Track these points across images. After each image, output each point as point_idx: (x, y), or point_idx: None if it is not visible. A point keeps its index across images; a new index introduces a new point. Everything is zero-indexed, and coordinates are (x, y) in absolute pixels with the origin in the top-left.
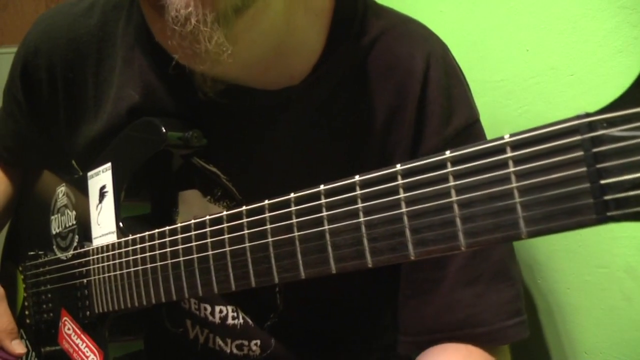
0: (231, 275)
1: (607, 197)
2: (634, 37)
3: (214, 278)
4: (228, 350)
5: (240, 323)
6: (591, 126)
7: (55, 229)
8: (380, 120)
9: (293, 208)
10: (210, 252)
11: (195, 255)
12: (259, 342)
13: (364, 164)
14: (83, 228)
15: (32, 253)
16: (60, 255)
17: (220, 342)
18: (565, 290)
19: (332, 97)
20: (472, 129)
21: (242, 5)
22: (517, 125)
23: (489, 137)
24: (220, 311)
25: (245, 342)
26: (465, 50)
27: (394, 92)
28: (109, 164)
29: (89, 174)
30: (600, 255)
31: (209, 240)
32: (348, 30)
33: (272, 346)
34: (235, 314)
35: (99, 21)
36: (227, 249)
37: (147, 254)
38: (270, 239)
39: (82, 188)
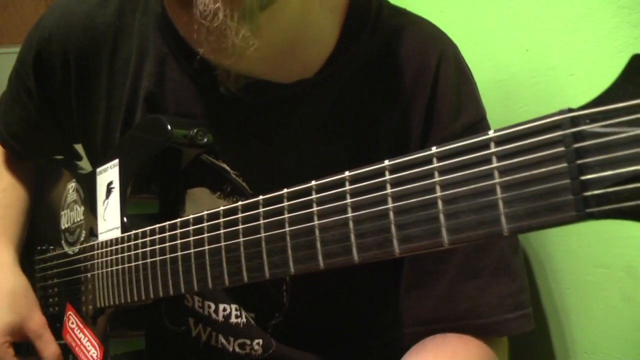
0: (225, 270)
1: (587, 194)
2: (634, 37)
3: (209, 274)
4: (230, 349)
5: (243, 322)
6: (573, 122)
7: (64, 224)
8: (392, 115)
9: (285, 203)
10: (206, 247)
11: (192, 250)
12: (261, 341)
13: (377, 158)
14: (90, 223)
15: (41, 247)
16: (68, 249)
17: (223, 340)
18: (565, 290)
19: (346, 92)
20: (479, 126)
21: (268, 2)
22: None
23: None
24: (224, 309)
25: (248, 341)
26: (465, 50)
27: (406, 88)
28: (116, 161)
29: (98, 170)
30: (600, 255)
31: (205, 235)
32: (362, 26)
33: (274, 346)
34: (238, 313)
35: (115, 10)
36: (222, 244)
37: (148, 248)
38: (262, 234)
39: (90, 184)
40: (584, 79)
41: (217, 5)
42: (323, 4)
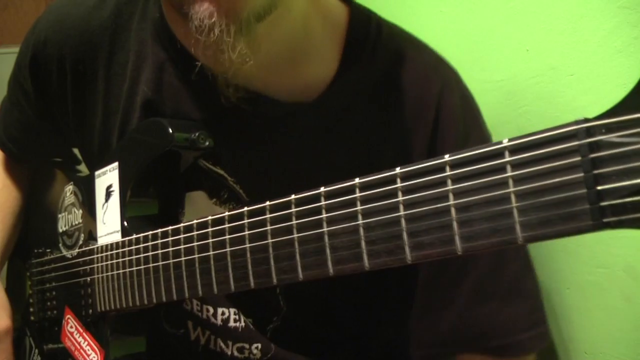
0: (231, 276)
1: (603, 204)
2: (634, 37)
3: (214, 279)
4: (229, 353)
5: (242, 326)
6: (589, 131)
7: (62, 227)
8: (392, 144)
9: (293, 209)
10: (211, 252)
11: (196, 255)
12: (259, 345)
13: None
14: (89, 226)
15: (38, 250)
16: (66, 253)
17: (222, 344)
18: (565, 290)
19: (346, 116)
20: None
21: (264, 13)
22: (517, 125)
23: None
24: (223, 313)
25: (247, 345)
26: (465, 50)
27: (407, 117)
28: (116, 164)
29: (96, 173)
30: (600, 255)
31: (210, 240)
32: (361, 51)
33: (273, 350)
34: (237, 317)
35: (112, 14)
36: (228, 249)
37: (150, 253)
38: (270, 240)
39: (89, 187)
40: (584, 79)
41: (213, 20)
42: (326, 17)
